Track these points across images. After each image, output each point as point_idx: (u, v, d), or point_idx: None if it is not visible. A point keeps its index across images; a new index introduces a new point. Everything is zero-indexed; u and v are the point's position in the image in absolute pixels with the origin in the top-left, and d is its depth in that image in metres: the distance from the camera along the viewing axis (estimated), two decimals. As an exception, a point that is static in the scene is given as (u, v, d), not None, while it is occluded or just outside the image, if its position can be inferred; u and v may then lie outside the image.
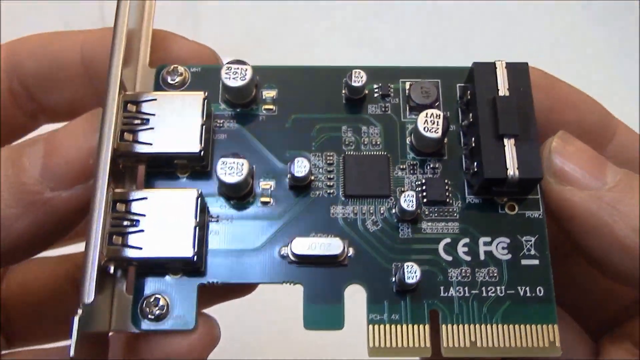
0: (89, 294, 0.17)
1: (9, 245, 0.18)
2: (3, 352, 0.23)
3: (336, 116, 0.22)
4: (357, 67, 0.22)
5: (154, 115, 0.21)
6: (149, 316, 0.20)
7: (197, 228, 0.20)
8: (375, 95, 0.22)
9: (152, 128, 0.21)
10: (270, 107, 0.22)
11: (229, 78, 0.21)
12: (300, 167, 0.21)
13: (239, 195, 0.21)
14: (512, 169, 0.20)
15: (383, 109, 0.22)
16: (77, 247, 0.23)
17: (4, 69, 0.23)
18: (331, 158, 0.22)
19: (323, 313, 0.20)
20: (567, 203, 0.20)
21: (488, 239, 0.21)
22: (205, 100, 0.21)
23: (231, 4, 0.61)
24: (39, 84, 0.24)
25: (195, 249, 0.19)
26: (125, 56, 0.21)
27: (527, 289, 0.20)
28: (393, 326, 0.20)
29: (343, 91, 0.22)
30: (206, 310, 0.21)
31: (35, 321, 0.24)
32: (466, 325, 0.20)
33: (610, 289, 0.24)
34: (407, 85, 0.22)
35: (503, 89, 0.21)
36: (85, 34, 0.24)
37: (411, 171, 0.22)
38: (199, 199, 0.20)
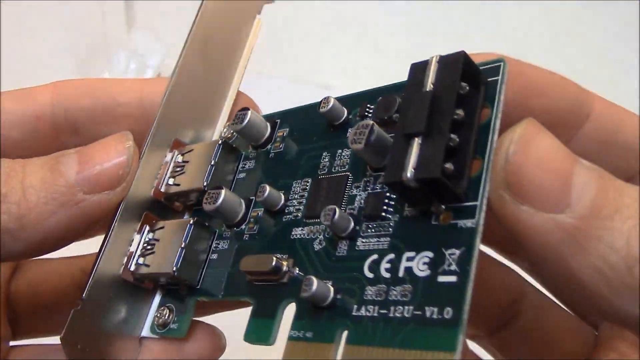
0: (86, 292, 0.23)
1: (41, 237, 0.21)
2: (11, 343, 0.27)
3: (321, 144, 0.23)
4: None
5: (188, 162, 0.26)
6: (157, 324, 0.24)
7: (185, 250, 0.23)
8: (357, 118, 0.22)
9: (184, 172, 0.25)
10: (278, 144, 0.24)
11: (234, 123, 0.24)
12: (260, 193, 0.22)
13: (232, 223, 0.24)
14: (408, 170, 0.17)
15: (358, 132, 0.22)
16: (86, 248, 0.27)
17: (51, 102, 0.26)
18: (306, 183, 0.22)
19: (256, 327, 0.21)
20: (521, 226, 0.17)
21: (412, 254, 0.18)
22: (220, 145, 0.25)
23: None
24: (93, 118, 0.26)
25: (176, 267, 0.23)
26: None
27: (436, 310, 0.17)
28: (305, 343, 0.19)
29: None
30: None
31: (40, 318, 0.28)
32: (366, 348, 0.18)
33: None
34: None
35: (428, 86, 0.19)
36: (144, 82, 0.27)
37: (364, 188, 0.21)
38: (192, 226, 0.23)
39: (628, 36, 0.59)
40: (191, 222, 0.24)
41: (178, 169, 0.26)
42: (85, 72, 0.51)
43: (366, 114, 0.22)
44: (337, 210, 0.20)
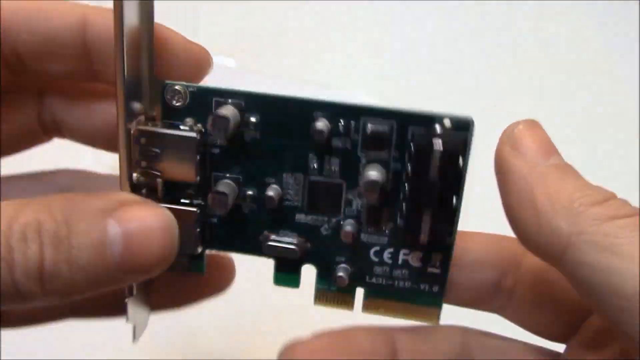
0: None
1: (76, 301, 0.24)
2: None
3: (304, 144, 0.27)
4: (320, 104, 0.26)
5: (161, 149, 0.27)
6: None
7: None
8: (341, 129, 0.27)
9: (161, 160, 0.27)
10: (253, 132, 0.27)
11: (217, 131, 0.26)
12: (269, 192, 0.28)
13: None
14: (425, 237, 0.27)
15: (344, 143, 0.27)
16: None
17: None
18: (299, 179, 0.28)
19: (284, 277, 0.30)
20: (507, 162, 0.25)
21: (407, 252, 0.29)
22: (199, 140, 0.27)
23: (231, 4, 0.63)
24: (34, 55, 0.26)
25: (200, 246, 0.29)
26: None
27: (427, 286, 0.29)
28: (331, 293, 0.30)
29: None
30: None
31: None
32: (379, 300, 0.30)
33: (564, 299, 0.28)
34: (368, 125, 0.26)
35: (434, 172, 0.25)
36: (85, 10, 0.26)
37: (360, 195, 0.28)
38: (199, 216, 0.28)
39: (628, 36, 0.60)
40: (197, 211, 0.28)
41: (149, 155, 0.27)
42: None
43: (350, 128, 0.27)
44: (351, 227, 0.28)
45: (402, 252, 0.29)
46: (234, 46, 0.61)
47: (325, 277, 0.30)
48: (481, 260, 0.29)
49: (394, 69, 0.64)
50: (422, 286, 0.29)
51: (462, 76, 0.63)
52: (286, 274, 0.30)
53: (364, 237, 0.29)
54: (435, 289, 0.29)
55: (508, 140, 0.25)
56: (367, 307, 0.30)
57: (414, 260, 0.29)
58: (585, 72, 0.61)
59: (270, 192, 0.28)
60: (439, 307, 0.29)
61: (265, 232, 0.29)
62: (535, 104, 0.60)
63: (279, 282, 0.30)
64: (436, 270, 0.29)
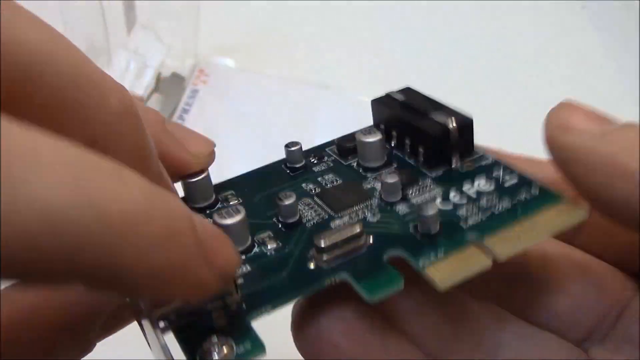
0: None
1: None
2: None
3: (291, 182, 0.25)
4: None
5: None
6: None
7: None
8: (314, 161, 0.26)
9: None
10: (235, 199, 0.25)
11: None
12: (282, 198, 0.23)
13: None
14: (450, 123, 0.23)
15: (327, 165, 0.26)
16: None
17: None
18: (307, 200, 0.24)
19: (378, 280, 0.21)
20: (569, 146, 0.21)
21: (469, 185, 0.23)
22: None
23: (231, 4, 0.61)
24: None
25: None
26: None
27: (524, 196, 0.22)
28: (445, 259, 0.21)
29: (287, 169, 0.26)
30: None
31: None
32: (500, 232, 0.21)
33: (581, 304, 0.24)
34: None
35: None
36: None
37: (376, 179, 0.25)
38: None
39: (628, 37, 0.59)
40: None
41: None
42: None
43: (324, 155, 0.26)
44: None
45: (465, 186, 0.23)
46: (234, 46, 0.58)
47: (420, 248, 0.21)
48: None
49: (394, 69, 0.61)
50: (521, 197, 0.23)
51: (463, 76, 0.61)
52: (374, 275, 0.21)
53: (414, 199, 0.23)
54: (535, 191, 0.23)
55: (555, 126, 0.22)
56: (496, 247, 0.21)
57: (483, 185, 0.23)
58: (585, 72, 0.59)
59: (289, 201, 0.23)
60: (560, 196, 0.22)
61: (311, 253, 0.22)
62: (536, 105, 0.60)
63: (375, 292, 0.20)
64: (513, 180, 0.23)
